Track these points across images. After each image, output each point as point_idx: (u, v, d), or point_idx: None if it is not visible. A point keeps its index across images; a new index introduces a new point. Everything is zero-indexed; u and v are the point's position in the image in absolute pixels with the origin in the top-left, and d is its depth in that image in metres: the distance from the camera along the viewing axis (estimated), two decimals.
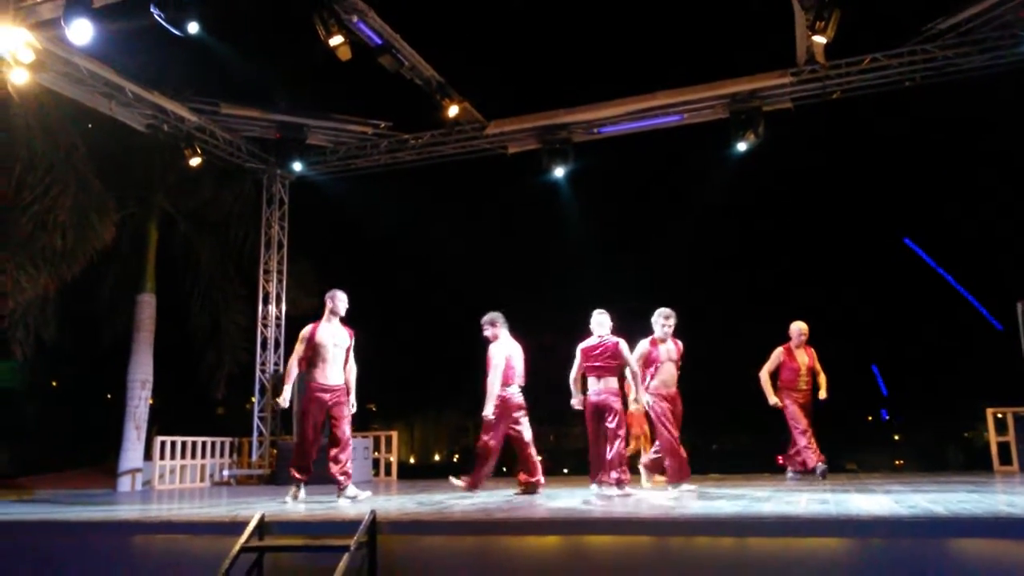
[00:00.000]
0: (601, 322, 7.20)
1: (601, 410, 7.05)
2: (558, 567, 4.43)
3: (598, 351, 7.12)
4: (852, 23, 9.27)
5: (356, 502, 6.63)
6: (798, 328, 8.73)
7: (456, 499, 6.79)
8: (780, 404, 8.53)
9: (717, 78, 11.04)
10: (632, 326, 7.60)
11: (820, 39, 9.27)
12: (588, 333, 7.29)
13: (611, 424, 6.97)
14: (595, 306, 7.38)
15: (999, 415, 10.09)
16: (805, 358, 8.67)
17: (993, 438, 10.03)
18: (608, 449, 6.95)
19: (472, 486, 7.45)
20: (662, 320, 7.39)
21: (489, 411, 7.20)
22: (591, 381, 7.16)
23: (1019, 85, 10.19)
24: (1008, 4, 9.25)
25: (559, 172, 11.88)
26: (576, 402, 7.24)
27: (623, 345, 7.13)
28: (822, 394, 8.63)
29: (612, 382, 7.10)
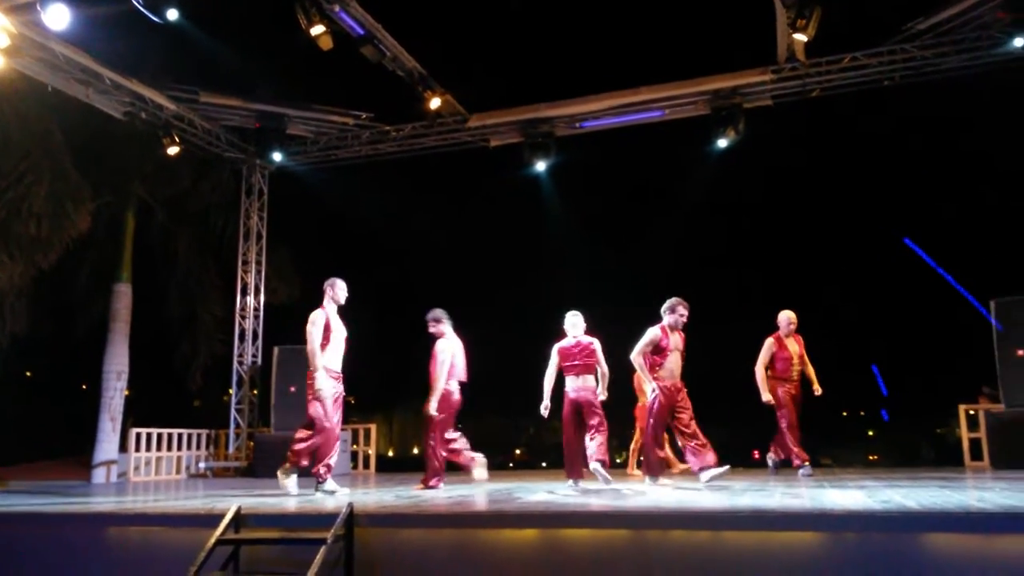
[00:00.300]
0: (575, 323, 7.38)
1: (581, 406, 7.18)
2: (536, 560, 4.44)
3: (576, 350, 7.27)
4: (833, 22, 9.33)
5: (335, 496, 6.60)
6: (787, 316, 8.60)
7: (433, 493, 6.80)
8: (772, 400, 8.38)
9: (699, 74, 11.08)
10: (608, 328, 7.63)
11: (801, 37, 9.33)
12: (562, 332, 7.44)
13: (593, 420, 7.12)
14: (577, 300, 7.48)
15: (971, 412, 10.24)
16: (795, 346, 8.55)
17: (965, 434, 10.18)
18: (590, 441, 7.08)
19: (432, 486, 7.33)
20: (681, 308, 7.28)
21: (434, 407, 7.23)
22: (570, 379, 7.28)
23: (998, 85, 10.31)
24: (986, 5, 9.36)
25: (541, 166, 11.90)
26: (544, 408, 7.31)
27: (597, 345, 7.32)
28: (816, 389, 8.52)
29: (590, 380, 7.25)
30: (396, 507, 5.26)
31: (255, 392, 12.85)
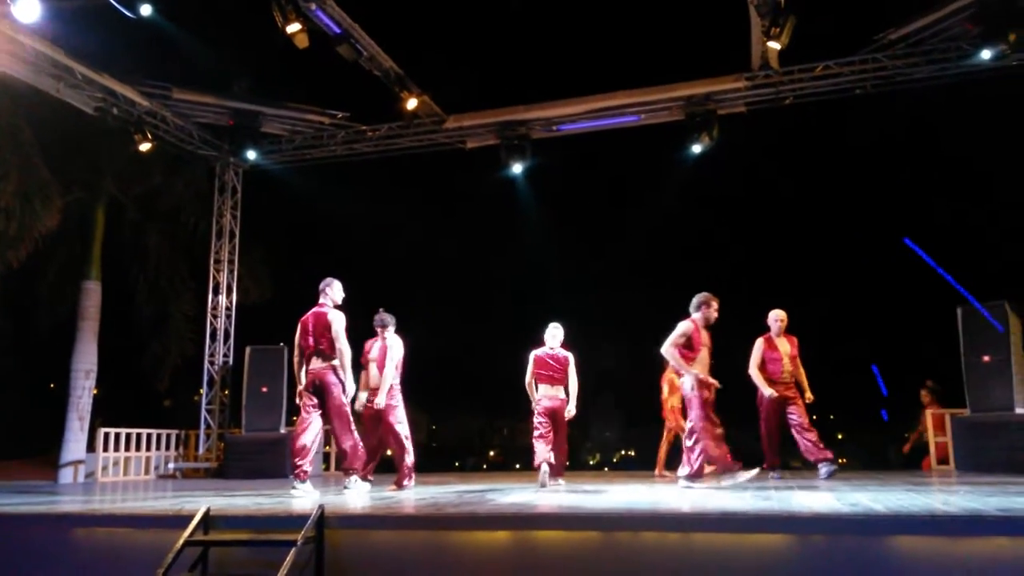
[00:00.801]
0: (555, 335, 7.90)
1: (555, 412, 7.73)
2: (508, 562, 4.44)
3: (550, 361, 7.82)
4: (806, 31, 9.45)
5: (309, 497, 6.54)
6: (774, 315, 8.37)
7: (405, 494, 6.78)
8: (776, 394, 8.06)
9: (674, 80, 11.17)
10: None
11: (775, 45, 9.43)
12: (540, 340, 7.89)
13: (560, 426, 7.74)
14: (552, 302, 7.64)
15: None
16: (787, 347, 8.28)
17: (932, 439, 10.33)
18: (553, 450, 7.68)
19: (405, 486, 7.46)
20: (715, 304, 7.11)
21: (383, 400, 7.37)
22: (543, 387, 7.79)
23: (970, 94, 10.50)
24: (955, 17, 9.53)
25: (517, 168, 11.91)
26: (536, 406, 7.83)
27: (571, 360, 7.87)
28: (808, 396, 8.23)
29: (561, 390, 7.80)
30: (367, 509, 5.25)
31: (226, 392, 12.72)
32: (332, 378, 6.88)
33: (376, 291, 7.43)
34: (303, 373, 7.07)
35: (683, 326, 7.00)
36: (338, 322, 6.98)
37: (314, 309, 7.07)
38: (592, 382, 8.21)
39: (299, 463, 6.78)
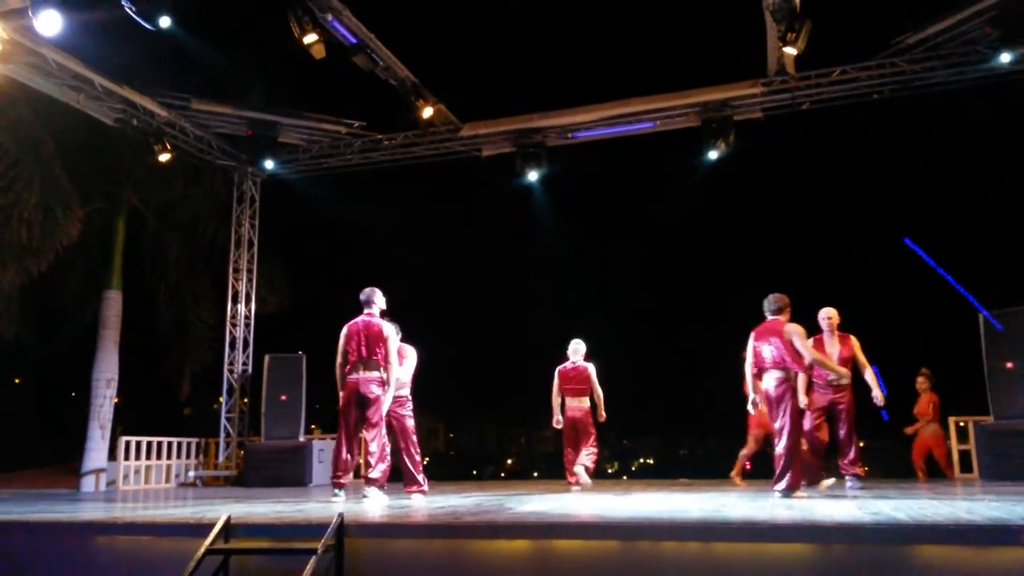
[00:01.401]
0: (576, 349, 8.56)
1: (576, 423, 8.44)
2: (527, 571, 4.43)
3: (573, 375, 8.49)
4: (822, 35, 9.42)
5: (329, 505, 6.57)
6: (822, 314, 7.85)
7: (425, 502, 6.79)
8: (806, 401, 7.47)
9: (690, 87, 11.15)
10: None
11: (791, 50, 9.39)
12: (558, 348, 8.62)
13: (586, 437, 8.41)
14: (569, 311, 7.83)
15: (961, 423, 10.28)
16: (837, 347, 7.69)
17: (955, 446, 10.21)
18: (585, 455, 8.37)
19: (425, 490, 7.46)
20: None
21: (390, 399, 7.19)
22: (568, 400, 8.49)
23: (990, 99, 10.41)
24: (974, 21, 9.45)
25: (533, 176, 11.90)
26: (555, 422, 8.59)
27: (592, 371, 8.51)
28: (876, 396, 7.55)
29: (585, 401, 8.48)
30: (387, 517, 5.25)
31: (245, 401, 12.79)
32: (378, 390, 6.92)
33: (393, 300, 7.41)
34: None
35: (799, 328, 6.48)
36: (393, 336, 7.10)
37: (362, 318, 7.09)
38: (609, 389, 8.46)
39: (340, 474, 6.98)
